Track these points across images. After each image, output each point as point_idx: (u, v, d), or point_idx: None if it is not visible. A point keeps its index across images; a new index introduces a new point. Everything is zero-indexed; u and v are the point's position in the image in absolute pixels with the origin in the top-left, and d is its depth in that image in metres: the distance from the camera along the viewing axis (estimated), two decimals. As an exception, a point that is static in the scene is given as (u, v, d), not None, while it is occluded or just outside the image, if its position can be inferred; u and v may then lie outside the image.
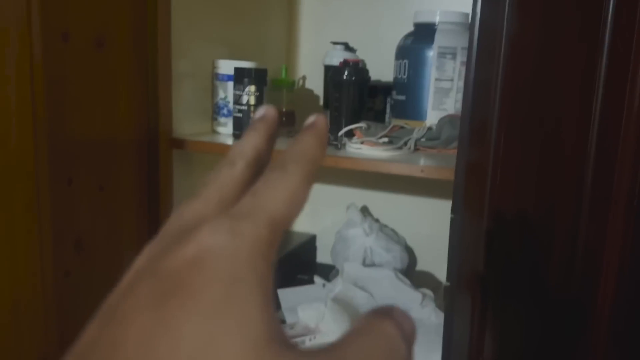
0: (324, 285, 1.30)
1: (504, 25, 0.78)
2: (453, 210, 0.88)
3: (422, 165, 0.91)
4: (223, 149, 1.05)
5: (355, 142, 1.03)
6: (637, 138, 0.68)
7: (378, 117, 1.28)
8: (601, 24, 0.71)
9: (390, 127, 1.09)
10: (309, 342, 1.05)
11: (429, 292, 1.15)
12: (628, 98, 0.69)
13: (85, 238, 0.86)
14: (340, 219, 1.44)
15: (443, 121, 1.05)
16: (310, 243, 1.52)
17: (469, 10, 0.79)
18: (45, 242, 0.79)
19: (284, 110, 1.36)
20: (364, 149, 1.00)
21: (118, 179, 0.93)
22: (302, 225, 1.56)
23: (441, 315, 1.11)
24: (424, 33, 1.14)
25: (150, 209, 1.01)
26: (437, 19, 1.13)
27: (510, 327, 0.80)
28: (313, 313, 1.08)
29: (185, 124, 1.09)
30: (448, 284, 0.88)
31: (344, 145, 1.04)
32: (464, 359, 0.85)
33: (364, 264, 1.28)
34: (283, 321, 1.19)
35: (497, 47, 0.79)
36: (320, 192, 1.53)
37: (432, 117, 1.12)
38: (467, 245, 0.86)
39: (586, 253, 0.72)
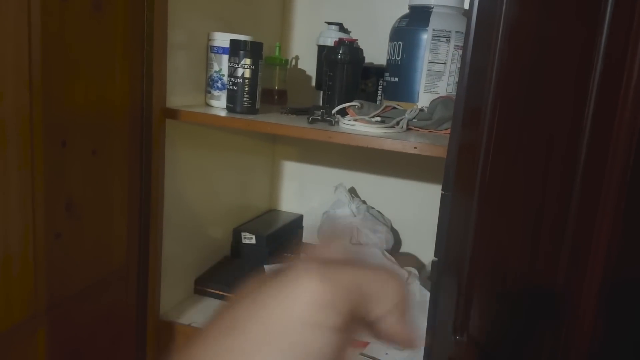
0: (310, 263, 1.32)
1: (502, 11, 0.80)
2: (444, 187, 0.90)
3: (414, 142, 0.92)
4: (217, 121, 1.06)
5: (349, 120, 1.04)
6: (631, 122, 0.70)
7: (370, 98, 1.29)
8: (600, 10, 0.72)
9: (382, 107, 1.11)
10: (295, 315, 1.06)
11: (414, 270, 1.17)
12: (625, 83, 0.71)
13: (76, 200, 0.86)
14: (326, 199, 1.46)
15: (435, 102, 1.06)
16: (297, 222, 1.53)
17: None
18: (37, 203, 0.79)
19: (276, 88, 1.36)
20: (357, 125, 1.01)
21: (111, 144, 0.93)
22: (290, 204, 1.57)
23: (426, 293, 1.13)
24: (419, 16, 1.15)
25: (142, 176, 1.00)
26: (432, 2, 1.14)
27: (496, 304, 0.82)
28: (300, 287, 1.09)
29: (179, 95, 1.09)
30: (436, 259, 0.90)
31: (337, 122, 1.05)
32: (448, 334, 0.87)
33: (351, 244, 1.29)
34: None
35: (494, 32, 0.81)
36: (309, 172, 1.54)
37: (423, 100, 1.14)
38: (455, 222, 0.88)
39: (575, 232, 0.75)
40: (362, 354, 1.04)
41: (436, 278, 0.88)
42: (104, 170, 0.92)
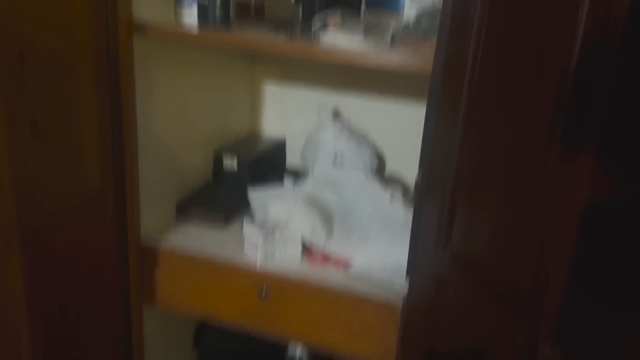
0: (293, 187, 1.30)
1: None
2: (429, 103, 0.87)
3: (399, 57, 0.87)
4: (187, 37, 0.99)
5: (330, 34, 0.98)
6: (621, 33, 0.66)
7: (353, 9, 1.21)
8: None
9: (365, 19, 1.04)
10: (279, 235, 1.05)
11: (397, 191, 1.16)
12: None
13: (41, 123, 0.81)
14: (310, 122, 1.41)
15: (422, 13, 1.00)
16: (280, 147, 1.49)
17: None
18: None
19: (252, 3, 1.27)
20: (339, 40, 0.95)
21: (75, 64, 0.86)
22: (272, 128, 1.53)
23: (409, 212, 1.13)
24: None
25: (111, 98, 0.95)
26: None
27: (479, 219, 0.81)
28: (283, 210, 1.08)
29: (146, 8, 1.00)
30: (419, 177, 0.88)
31: (318, 38, 0.99)
32: (431, 250, 0.87)
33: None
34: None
35: None
36: (291, 93, 1.48)
37: (409, 10, 1.07)
38: (440, 138, 0.85)
39: (564, 146, 0.72)
40: (346, 272, 1.05)
41: (420, 195, 0.87)
42: (69, 92, 0.86)
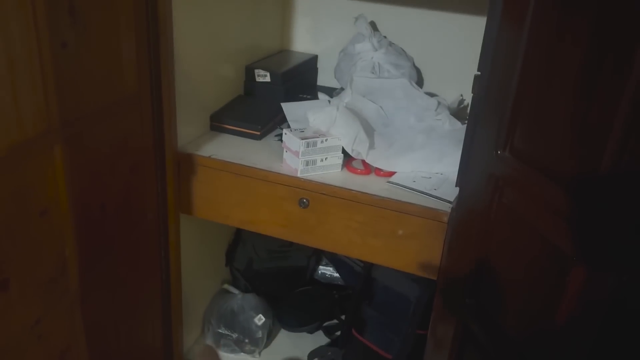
0: (329, 101, 1.25)
1: None
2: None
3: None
4: None
5: None
6: None
7: None
8: None
9: None
10: (320, 144, 1.01)
11: (443, 100, 1.11)
12: None
13: (79, 6, 0.76)
14: (343, 37, 1.35)
15: None
16: (311, 63, 1.44)
17: None
18: (38, 10, 0.69)
19: None
20: None
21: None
22: (303, 44, 1.47)
23: (455, 122, 1.08)
24: None
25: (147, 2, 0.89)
26: None
27: (545, 117, 0.76)
28: (325, 117, 1.04)
29: None
30: (479, 73, 0.83)
31: None
32: (491, 151, 0.82)
33: (373, 78, 1.21)
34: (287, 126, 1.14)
35: None
36: (323, 6, 1.40)
37: None
38: (505, 35, 0.79)
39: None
40: (389, 182, 1.01)
41: (479, 92, 0.82)
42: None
